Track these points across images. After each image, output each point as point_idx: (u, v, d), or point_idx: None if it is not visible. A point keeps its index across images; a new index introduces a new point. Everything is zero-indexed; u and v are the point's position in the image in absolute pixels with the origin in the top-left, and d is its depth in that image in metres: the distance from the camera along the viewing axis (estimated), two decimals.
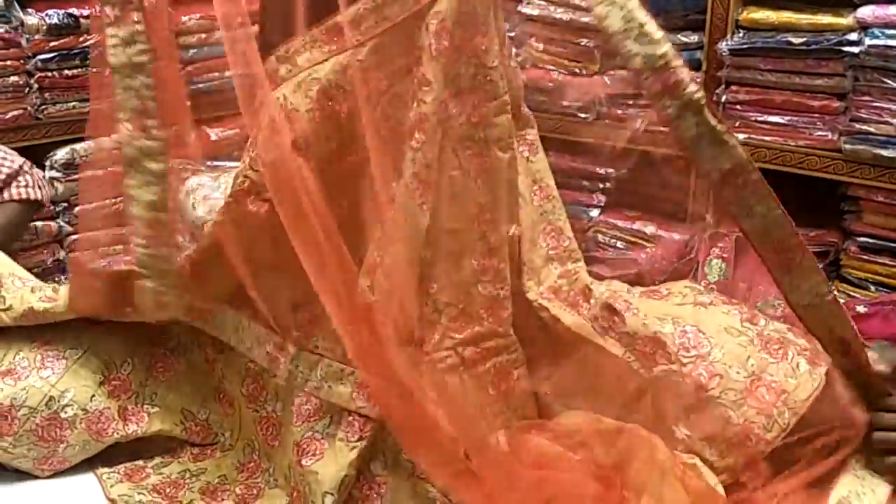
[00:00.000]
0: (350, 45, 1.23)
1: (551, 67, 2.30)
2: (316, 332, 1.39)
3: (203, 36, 2.48)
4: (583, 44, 2.22)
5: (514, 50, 2.36)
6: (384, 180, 1.28)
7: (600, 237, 2.28)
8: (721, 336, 1.28)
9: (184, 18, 2.45)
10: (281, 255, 1.31)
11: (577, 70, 2.25)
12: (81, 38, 2.31)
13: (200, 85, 2.50)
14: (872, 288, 1.96)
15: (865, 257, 1.97)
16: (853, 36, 1.84)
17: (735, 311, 1.35)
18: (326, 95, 1.25)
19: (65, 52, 2.30)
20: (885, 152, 1.85)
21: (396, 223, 1.27)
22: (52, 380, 1.46)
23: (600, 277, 1.60)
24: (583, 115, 2.28)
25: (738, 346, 1.27)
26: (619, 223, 2.27)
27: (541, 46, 2.32)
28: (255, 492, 1.43)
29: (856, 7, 1.85)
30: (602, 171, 2.36)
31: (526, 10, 2.30)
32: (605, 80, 2.24)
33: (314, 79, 1.25)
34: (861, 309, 1.72)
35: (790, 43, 1.91)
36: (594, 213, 2.33)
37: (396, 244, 1.27)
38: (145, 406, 1.53)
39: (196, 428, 1.55)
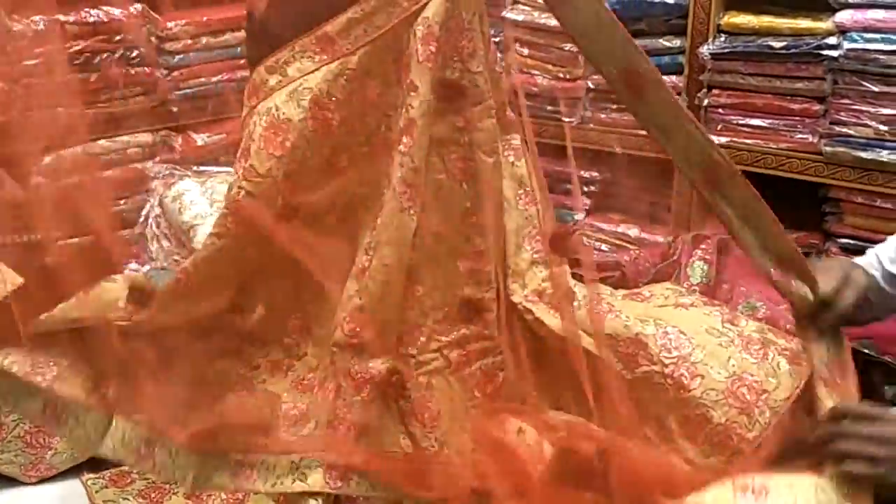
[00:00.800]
0: (340, 54, 1.24)
1: (536, 72, 2.32)
2: (306, 338, 1.40)
3: (189, 42, 2.49)
4: (567, 49, 2.23)
5: (498, 55, 2.37)
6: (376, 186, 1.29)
7: (585, 240, 2.29)
8: (702, 337, 1.29)
9: (169, 24, 2.46)
10: (277, 262, 1.32)
11: (562, 75, 2.27)
12: (67, 45, 2.31)
13: (186, 90, 2.51)
14: None
15: (846, 258, 1.99)
16: (832, 40, 1.86)
17: (716, 312, 1.36)
18: (319, 105, 1.25)
19: None
20: (864, 154, 1.87)
21: (385, 227, 1.28)
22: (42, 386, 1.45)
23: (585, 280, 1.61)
24: (568, 120, 2.30)
25: (718, 347, 1.28)
26: (604, 226, 2.28)
27: (526, 51, 2.34)
28: (240, 496, 1.43)
29: (834, 11, 1.88)
30: (587, 174, 2.37)
31: (511, 15, 2.32)
32: (589, 84, 2.26)
33: (306, 88, 1.25)
34: None
35: (771, 47, 1.93)
36: (579, 216, 2.35)
37: (385, 248, 1.28)
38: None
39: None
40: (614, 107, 2.25)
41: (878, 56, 1.81)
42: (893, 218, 1.93)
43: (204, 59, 2.52)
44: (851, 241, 1.99)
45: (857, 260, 1.33)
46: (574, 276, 1.89)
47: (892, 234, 1.83)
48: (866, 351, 1.62)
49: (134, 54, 2.42)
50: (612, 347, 1.32)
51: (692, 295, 1.47)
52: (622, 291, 1.51)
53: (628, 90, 1.17)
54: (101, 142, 2.45)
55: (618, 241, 2.23)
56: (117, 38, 2.39)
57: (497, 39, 2.35)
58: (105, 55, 2.38)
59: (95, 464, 1.51)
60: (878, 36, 1.80)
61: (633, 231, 2.22)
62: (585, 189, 2.37)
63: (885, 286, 1.29)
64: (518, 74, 2.34)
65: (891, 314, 1.38)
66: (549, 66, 2.29)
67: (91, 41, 2.36)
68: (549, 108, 2.32)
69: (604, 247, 2.25)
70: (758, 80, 1.98)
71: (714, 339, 1.29)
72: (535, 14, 2.28)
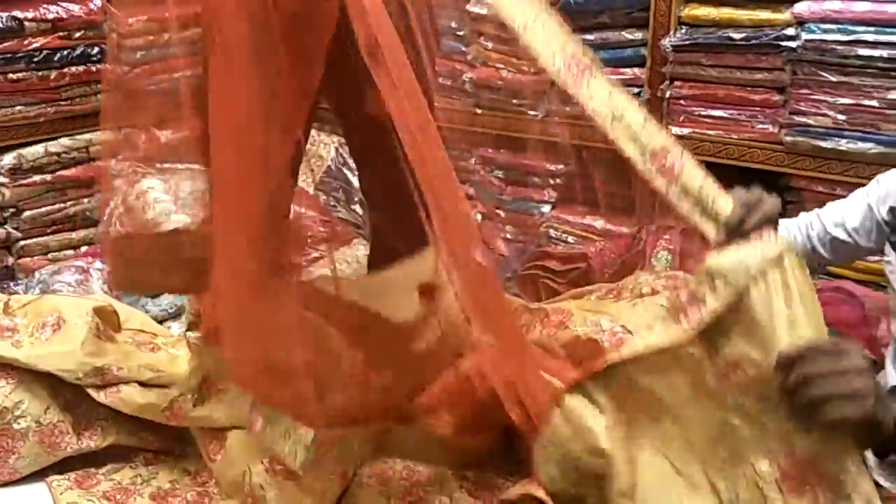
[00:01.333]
0: None
1: (500, 66, 2.32)
2: None
3: (150, 38, 2.46)
4: None
5: (462, 48, 2.38)
6: None
7: (552, 232, 2.31)
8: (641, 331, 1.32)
9: (130, 21, 2.43)
10: None
11: (525, 68, 2.27)
12: (26, 42, 2.28)
13: (150, 87, 2.48)
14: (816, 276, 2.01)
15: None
16: (791, 31, 1.88)
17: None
18: None
19: (9, 55, 2.27)
20: (823, 143, 1.90)
21: None
22: (6, 390, 1.44)
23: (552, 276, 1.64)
24: (532, 113, 2.31)
25: None
26: (570, 218, 2.30)
27: (490, 45, 2.34)
28: (206, 500, 1.42)
29: (792, 2, 1.89)
30: (553, 167, 2.38)
31: (474, 9, 2.32)
32: None
33: None
34: None
35: (731, 38, 1.95)
36: (545, 208, 2.36)
37: None
38: (99, 420, 1.51)
39: (151, 437, 1.54)
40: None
41: (835, 46, 1.83)
42: None
43: (166, 55, 2.49)
44: None
45: (793, 220, 1.35)
46: (543, 268, 1.92)
47: None
48: None
49: (95, 51, 2.40)
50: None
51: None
52: (602, 289, 1.54)
53: None
54: (63, 140, 2.42)
55: (584, 233, 2.25)
56: (77, 34, 2.36)
57: (461, 33, 2.38)
58: (65, 52, 2.35)
59: (61, 464, 1.49)
60: (834, 27, 1.83)
61: (599, 223, 2.24)
62: (551, 182, 2.38)
63: (819, 247, 1.31)
64: (482, 68, 2.35)
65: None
66: (514, 60, 2.30)
67: (50, 38, 2.33)
68: (514, 101, 2.33)
69: (570, 239, 2.27)
70: (718, 72, 2.00)
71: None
72: None
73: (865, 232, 1.31)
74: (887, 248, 1.32)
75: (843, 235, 1.31)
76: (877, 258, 1.85)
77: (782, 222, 1.32)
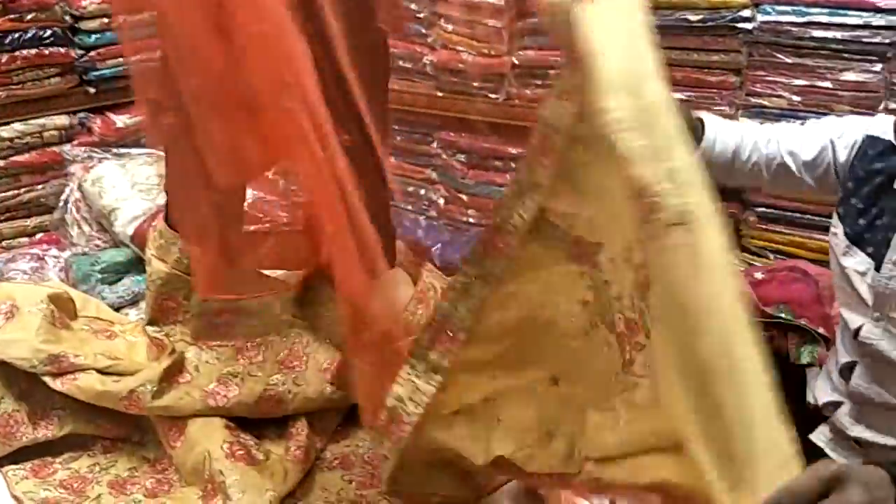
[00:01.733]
0: None
1: (461, 49, 2.32)
2: None
3: (105, 21, 2.42)
4: (491, 24, 2.24)
5: (423, 30, 2.37)
6: None
7: None
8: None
9: (84, 3, 2.38)
10: None
11: (486, 51, 2.27)
12: None
13: (104, 71, 2.44)
14: (771, 256, 2.04)
15: (763, 226, 2.05)
16: (747, 13, 1.91)
17: None
18: None
19: None
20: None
21: None
22: None
23: None
24: (493, 96, 2.31)
25: None
26: None
27: (450, 28, 2.33)
28: (166, 487, 1.41)
29: None
30: (514, 150, 2.38)
31: None
32: (514, 60, 2.26)
33: None
34: (759, 276, 1.80)
35: (688, 20, 1.97)
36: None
37: None
38: (55, 410, 1.49)
39: (108, 425, 1.52)
40: (539, 82, 2.26)
41: (790, 28, 1.86)
42: None
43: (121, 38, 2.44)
44: (768, 210, 2.04)
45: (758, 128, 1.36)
46: None
47: (803, 202, 1.89)
48: (783, 315, 1.68)
49: (47, 34, 2.34)
50: None
51: None
52: None
53: None
54: (16, 125, 2.37)
55: None
56: (29, 17, 2.31)
57: (422, 15, 2.36)
58: (17, 35, 2.30)
59: (16, 454, 1.47)
60: (789, 8, 1.85)
61: None
62: (513, 165, 2.38)
63: (763, 169, 1.32)
64: (443, 50, 2.34)
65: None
66: (474, 42, 2.29)
67: (1, 20, 2.27)
68: (475, 84, 2.32)
69: None
70: (676, 54, 2.02)
71: None
72: None
73: (814, 167, 1.30)
74: (835, 218, 1.33)
75: (791, 165, 1.30)
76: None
77: (756, 126, 1.35)
